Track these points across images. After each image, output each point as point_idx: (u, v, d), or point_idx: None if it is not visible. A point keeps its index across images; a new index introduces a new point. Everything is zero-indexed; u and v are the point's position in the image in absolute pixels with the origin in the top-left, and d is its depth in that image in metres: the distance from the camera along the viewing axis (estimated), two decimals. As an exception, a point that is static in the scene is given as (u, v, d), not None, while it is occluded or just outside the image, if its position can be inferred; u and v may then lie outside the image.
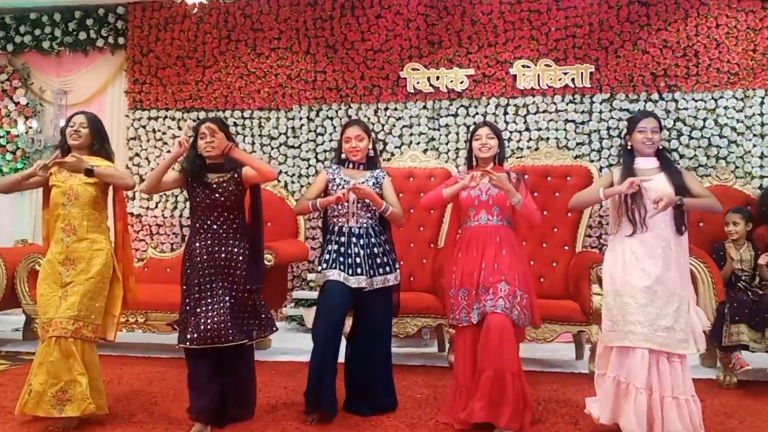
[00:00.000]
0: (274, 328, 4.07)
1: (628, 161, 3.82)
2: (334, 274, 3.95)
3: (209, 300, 3.74)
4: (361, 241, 4.02)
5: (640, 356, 3.54)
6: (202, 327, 3.68)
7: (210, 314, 3.70)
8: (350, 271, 3.96)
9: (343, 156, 4.17)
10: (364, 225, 4.07)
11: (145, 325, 5.57)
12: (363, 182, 4.04)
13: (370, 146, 4.15)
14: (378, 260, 4.05)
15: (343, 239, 4.03)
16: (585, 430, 3.79)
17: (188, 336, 3.69)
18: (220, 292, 3.77)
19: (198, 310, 3.73)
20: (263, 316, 3.98)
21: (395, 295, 4.22)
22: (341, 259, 3.98)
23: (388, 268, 4.07)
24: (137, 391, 4.56)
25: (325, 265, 4.01)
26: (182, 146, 3.79)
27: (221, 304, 3.73)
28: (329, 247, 4.06)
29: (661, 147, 3.82)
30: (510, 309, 3.72)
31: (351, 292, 3.95)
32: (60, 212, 3.87)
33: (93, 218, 3.90)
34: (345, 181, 4.07)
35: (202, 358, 3.75)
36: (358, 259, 3.99)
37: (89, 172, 3.85)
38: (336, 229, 4.08)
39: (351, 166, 4.14)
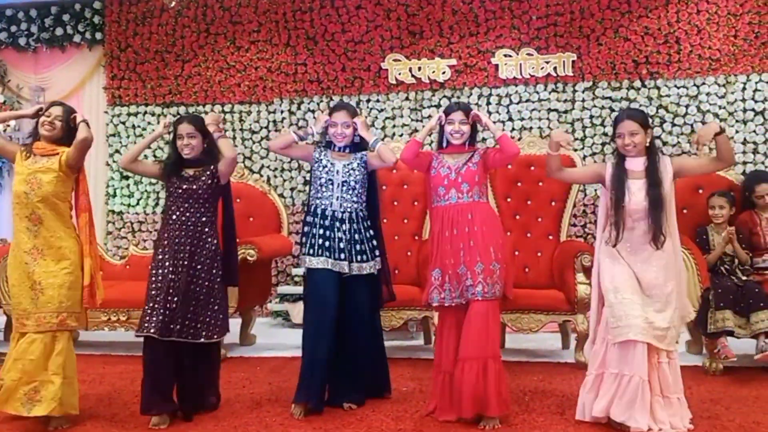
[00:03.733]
0: (226, 332, 4.03)
1: (619, 161, 3.78)
2: (321, 261, 3.95)
3: (171, 292, 3.76)
4: (344, 226, 4.00)
5: (641, 350, 3.53)
6: (162, 318, 3.70)
7: (170, 306, 3.74)
8: (334, 256, 3.95)
9: (328, 138, 4.14)
10: (348, 209, 4.03)
11: (127, 323, 5.49)
12: (349, 164, 4.04)
13: (357, 134, 4.11)
14: (357, 247, 4.01)
15: (326, 222, 4.00)
16: (571, 419, 3.77)
17: (145, 325, 3.72)
18: (183, 285, 3.79)
19: (160, 300, 3.74)
20: (221, 316, 3.94)
21: (385, 288, 4.21)
22: (327, 243, 3.96)
23: (365, 256, 4.03)
24: (120, 390, 4.50)
25: (311, 251, 3.99)
26: (166, 128, 3.96)
27: (182, 297, 3.77)
28: (313, 231, 4.02)
29: (647, 145, 3.72)
30: (490, 290, 3.72)
31: (338, 277, 3.95)
32: (22, 201, 3.76)
33: (57, 208, 3.79)
34: (331, 163, 4.05)
35: (161, 348, 3.75)
36: (341, 244, 3.97)
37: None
38: (318, 211, 4.03)
39: (337, 149, 4.11)
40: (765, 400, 4.10)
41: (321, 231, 3.99)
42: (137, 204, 7.44)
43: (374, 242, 4.11)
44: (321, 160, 4.08)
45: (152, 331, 3.69)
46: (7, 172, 7.75)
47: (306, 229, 4.06)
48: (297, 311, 6.58)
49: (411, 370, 4.88)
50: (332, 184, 4.02)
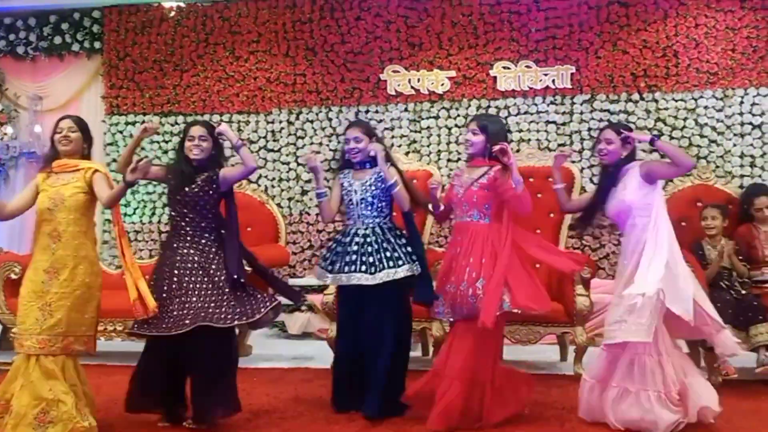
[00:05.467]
0: (263, 311, 3.86)
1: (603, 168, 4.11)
2: (339, 278, 4.06)
3: (176, 297, 3.77)
4: (368, 240, 4.03)
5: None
6: (165, 317, 3.72)
7: (175, 307, 3.74)
8: (348, 269, 4.02)
9: (347, 157, 4.21)
10: (370, 225, 4.08)
11: (124, 333, 5.45)
12: (366, 181, 4.09)
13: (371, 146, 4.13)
14: (388, 254, 3.99)
15: (347, 239, 4.09)
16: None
17: (145, 325, 3.75)
18: (190, 288, 3.78)
19: (164, 304, 3.74)
20: (251, 301, 3.86)
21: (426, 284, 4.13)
22: (347, 258, 4.03)
23: (399, 262, 3.97)
24: (117, 399, 4.43)
25: (330, 267, 4.10)
26: (148, 131, 3.95)
27: (189, 298, 3.76)
28: (331, 245, 4.18)
29: (622, 156, 3.95)
30: (471, 311, 3.75)
31: (358, 290, 4.00)
32: (46, 218, 3.70)
33: (80, 224, 3.72)
34: (350, 184, 4.13)
35: (161, 348, 3.77)
36: (364, 257, 4.00)
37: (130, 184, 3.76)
38: (345, 231, 4.16)
39: (358, 167, 4.16)
40: (765, 413, 4.10)
41: (337, 247, 4.13)
42: (134, 213, 7.41)
43: (402, 250, 4.02)
44: (343, 183, 4.18)
45: (151, 331, 3.74)
46: (3, 180, 7.73)
47: (331, 245, 4.22)
48: (293, 322, 6.57)
49: (409, 381, 4.83)
50: (352, 204, 4.11)
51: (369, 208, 4.09)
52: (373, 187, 4.09)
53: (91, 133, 3.96)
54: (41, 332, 3.60)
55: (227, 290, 3.81)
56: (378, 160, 4.04)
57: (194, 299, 3.75)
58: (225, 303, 3.77)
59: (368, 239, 4.03)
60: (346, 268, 4.02)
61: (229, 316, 3.72)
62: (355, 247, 4.03)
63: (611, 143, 3.94)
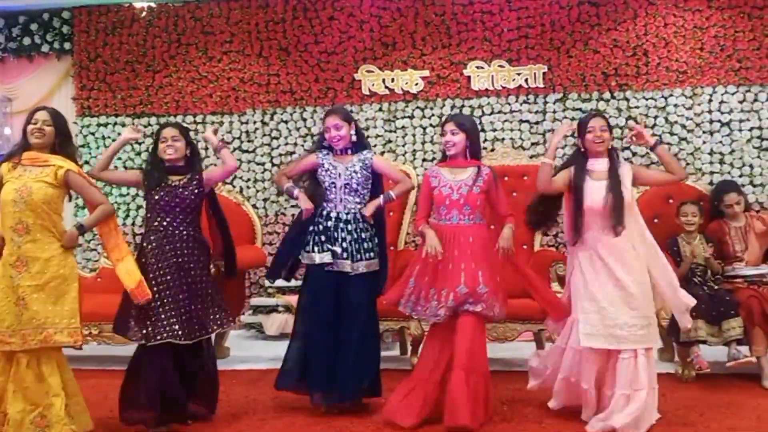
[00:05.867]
0: (232, 323, 4.16)
1: (581, 161, 3.98)
2: (321, 257, 4.07)
3: (166, 300, 3.75)
4: (348, 227, 4.10)
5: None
6: (161, 324, 3.72)
7: (168, 312, 3.74)
8: (336, 256, 4.07)
9: (326, 143, 4.23)
10: (352, 210, 4.13)
11: (99, 336, 5.43)
12: (351, 166, 4.14)
13: (353, 131, 4.17)
14: (365, 245, 4.11)
15: (330, 224, 4.11)
16: (550, 429, 3.80)
17: (146, 332, 3.72)
18: (177, 291, 3.78)
19: (154, 308, 3.73)
20: (223, 309, 4.01)
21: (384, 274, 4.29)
22: (328, 243, 4.08)
23: (369, 255, 4.12)
24: (93, 404, 4.36)
25: (315, 248, 4.10)
26: (137, 131, 4.06)
27: (178, 303, 3.77)
28: (315, 229, 4.13)
29: (611, 147, 3.94)
30: (488, 307, 3.85)
31: (337, 276, 4.05)
32: (10, 210, 3.62)
33: (47, 217, 3.65)
34: (333, 166, 4.16)
35: (161, 354, 3.74)
36: (344, 244, 4.07)
37: (81, 229, 3.76)
38: (324, 213, 4.15)
39: (338, 152, 4.19)
40: (738, 406, 4.18)
41: (325, 231, 4.11)
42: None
43: (376, 240, 4.18)
44: (324, 164, 4.18)
45: (173, 337, 3.73)
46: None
47: (310, 228, 4.15)
48: (270, 323, 6.55)
49: (387, 380, 4.79)
50: (335, 187, 4.13)
51: (353, 194, 4.14)
52: (358, 174, 4.14)
53: (67, 128, 3.85)
54: (21, 327, 3.56)
55: (210, 291, 3.93)
56: (367, 210, 4.15)
57: (192, 306, 3.83)
58: (214, 306, 3.93)
59: (349, 226, 4.10)
60: (332, 251, 4.08)
61: (222, 319, 3.97)
62: (344, 234, 4.08)
63: (605, 131, 3.94)
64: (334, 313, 4.08)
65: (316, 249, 4.10)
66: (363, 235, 4.12)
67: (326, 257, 4.06)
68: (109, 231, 3.83)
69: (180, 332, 3.72)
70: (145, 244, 3.91)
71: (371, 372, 4.18)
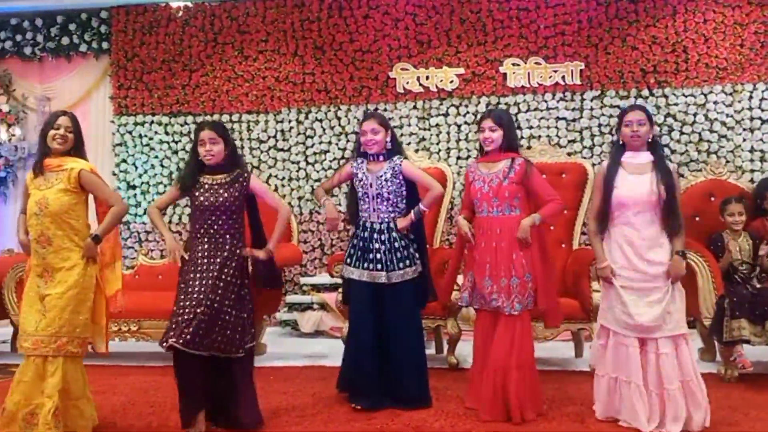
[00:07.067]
0: (252, 343, 3.92)
1: (616, 155, 3.89)
2: (357, 273, 4.12)
3: (201, 308, 3.60)
4: (382, 237, 4.10)
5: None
6: (190, 329, 3.55)
7: (199, 319, 3.57)
8: (371, 266, 4.09)
9: (362, 149, 4.22)
10: (385, 220, 4.12)
11: (138, 333, 5.48)
12: (382, 175, 4.11)
13: (388, 138, 4.15)
14: (398, 254, 4.10)
15: (366, 234, 4.14)
16: (592, 427, 3.76)
17: (179, 336, 3.55)
18: (217, 297, 3.66)
19: (189, 312, 3.59)
20: (248, 329, 3.83)
21: (426, 285, 4.24)
22: (364, 255, 4.11)
23: (406, 263, 4.11)
24: (133, 401, 4.46)
25: (349, 261, 4.19)
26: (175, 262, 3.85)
27: (211, 311, 3.62)
28: (354, 242, 4.20)
29: (650, 140, 3.85)
30: (511, 304, 3.85)
31: (374, 287, 4.08)
32: (33, 223, 3.65)
33: (66, 227, 3.65)
34: (365, 176, 4.16)
35: (190, 360, 3.64)
36: (378, 255, 4.08)
37: (97, 239, 3.72)
38: (360, 223, 4.19)
39: (372, 158, 4.18)
40: (784, 407, 4.09)
41: (361, 243, 4.15)
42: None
43: (413, 249, 4.16)
44: (357, 173, 4.20)
45: (179, 341, 3.52)
46: (12, 181, 7.73)
47: (350, 239, 4.25)
48: (305, 320, 6.57)
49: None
50: (367, 197, 4.15)
51: (385, 203, 4.13)
52: (389, 183, 4.12)
53: (81, 133, 3.85)
54: (36, 333, 3.58)
55: (246, 306, 3.82)
56: (399, 225, 4.13)
57: (222, 317, 3.67)
58: (245, 322, 3.81)
59: (383, 236, 4.10)
60: (369, 266, 4.10)
61: (239, 343, 3.78)
62: (377, 245, 4.09)
63: (642, 125, 3.82)
64: (375, 324, 4.09)
65: (354, 263, 4.14)
66: (396, 245, 4.10)
67: (364, 275, 4.10)
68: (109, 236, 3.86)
69: (182, 339, 3.53)
70: (193, 247, 3.83)
71: (419, 383, 4.15)
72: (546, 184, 4.03)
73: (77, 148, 3.80)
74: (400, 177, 4.13)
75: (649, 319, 3.65)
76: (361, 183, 4.16)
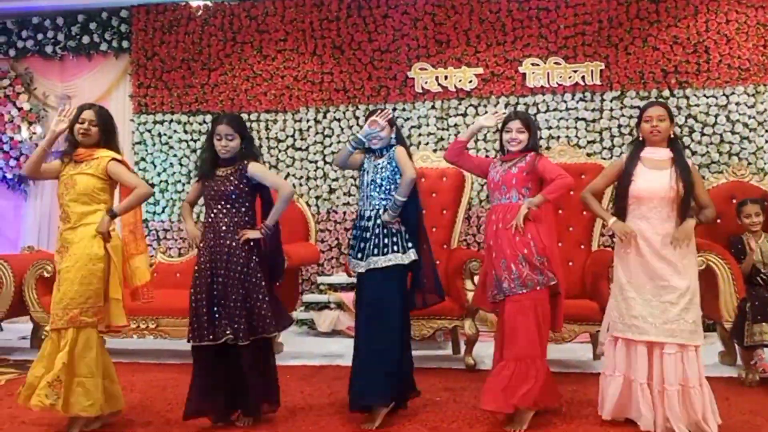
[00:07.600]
0: (278, 327, 3.94)
1: (635, 150, 3.87)
2: (353, 264, 4.07)
3: (212, 299, 3.77)
4: (369, 223, 4.02)
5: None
6: (203, 323, 3.75)
7: (213, 311, 3.77)
8: (357, 257, 4.02)
9: (367, 145, 4.14)
10: (376, 207, 4.01)
11: (156, 331, 5.49)
12: (379, 164, 4.06)
13: (393, 135, 4.11)
14: (384, 240, 3.93)
15: (362, 223, 4.07)
16: (610, 429, 3.73)
17: (195, 335, 3.79)
18: (221, 288, 3.77)
19: (202, 307, 3.77)
20: (266, 314, 3.81)
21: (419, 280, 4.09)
22: (356, 245, 4.05)
23: (385, 250, 3.92)
24: (152, 398, 4.49)
25: (351, 252, 4.11)
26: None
27: (221, 301, 3.77)
28: (353, 233, 4.15)
29: (672, 136, 3.82)
30: (513, 286, 3.80)
31: (360, 278, 4.03)
32: (60, 202, 3.80)
33: (86, 208, 3.75)
34: (368, 165, 4.11)
35: (205, 354, 3.78)
36: (361, 244, 4.00)
37: (112, 213, 3.77)
38: (359, 214, 4.14)
39: (377, 153, 4.13)
40: (805, 412, 4.04)
41: (356, 233, 4.09)
42: (162, 212, 7.45)
43: (398, 237, 3.97)
44: (363, 165, 4.16)
45: (199, 341, 3.76)
46: (32, 180, 7.78)
47: (353, 231, 4.18)
48: (322, 320, 6.57)
49: (441, 379, 4.83)
50: (363, 184, 4.10)
51: (377, 189, 4.02)
52: (384, 170, 4.04)
53: (111, 126, 3.89)
54: (54, 308, 3.70)
55: (263, 290, 3.83)
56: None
57: (233, 305, 3.76)
58: (267, 306, 3.82)
59: (369, 223, 4.00)
60: (359, 255, 4.01)
61: (275, 321, 3.84)
62: (367, 234, 3.99)
63: (662, 120, 3.78)
64: (361, 316, 4.03)
65: (351, 254, 4.10)
66: (377, 231, 3.96)
67: (358, 268, 4.00)
68: (132, 222, 3.94)
69: (199, 338, 3.76)
70: (202, 239, 3.89)
71: (398, 373, 3.97)
72: (554, 166, 3.95)
73: (107, 140, 3.87)
74: (394, 164, 4.04)
75: (660, 322, 3.61)
76: (364, 171, 4.12)
